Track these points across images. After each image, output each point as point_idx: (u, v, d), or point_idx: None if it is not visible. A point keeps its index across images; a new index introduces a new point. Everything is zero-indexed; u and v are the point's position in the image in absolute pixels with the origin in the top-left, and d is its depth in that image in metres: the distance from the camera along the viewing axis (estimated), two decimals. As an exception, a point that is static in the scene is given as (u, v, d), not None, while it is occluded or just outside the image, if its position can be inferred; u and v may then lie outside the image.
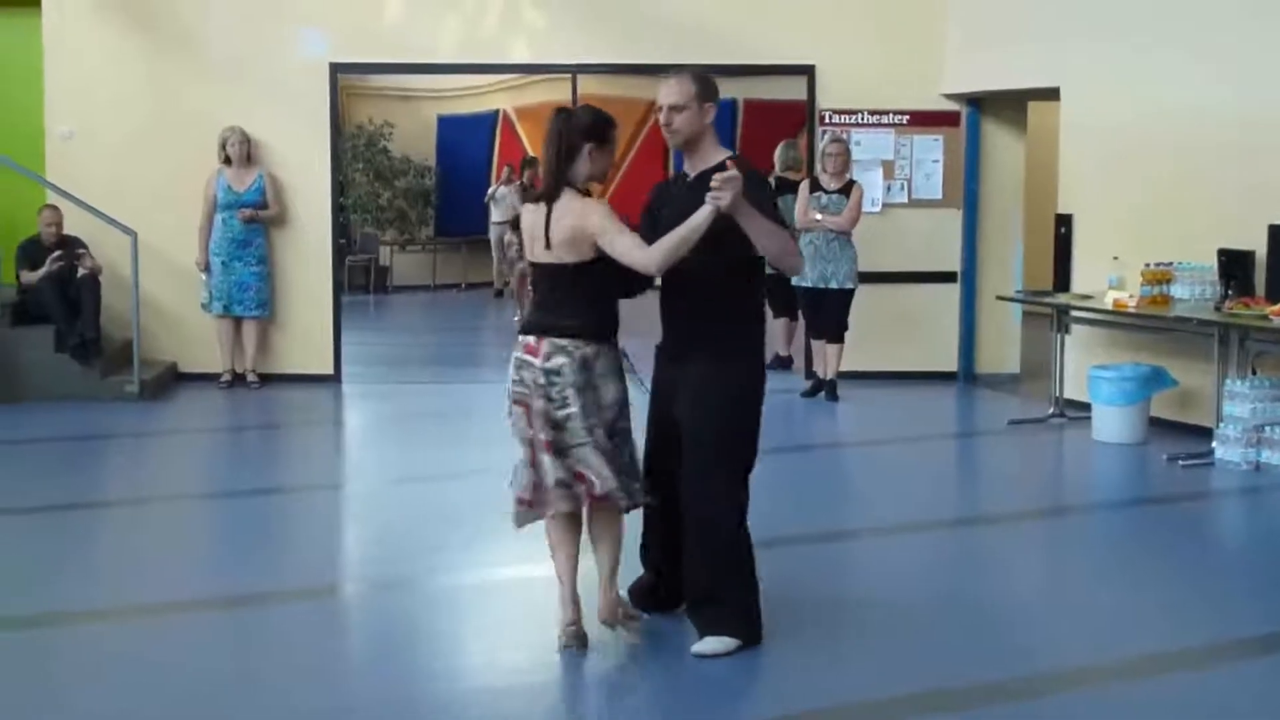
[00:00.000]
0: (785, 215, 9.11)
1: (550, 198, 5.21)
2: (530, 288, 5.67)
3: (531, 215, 5.27)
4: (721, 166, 5.21)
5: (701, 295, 5.20)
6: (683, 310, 5.31)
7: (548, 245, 5.19)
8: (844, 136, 11.22)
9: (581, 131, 5.22)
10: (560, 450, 5.18)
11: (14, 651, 5.44)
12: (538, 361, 5.18)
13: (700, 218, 5.01)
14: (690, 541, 5.29)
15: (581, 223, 5.15)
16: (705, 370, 5.24)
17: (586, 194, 5.27)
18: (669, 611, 5.55)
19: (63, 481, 8.38)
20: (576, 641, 5.26)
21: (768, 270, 11.33)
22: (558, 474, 5.18)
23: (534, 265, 5.34)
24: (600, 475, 5.16)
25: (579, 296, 5.22)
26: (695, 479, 5.23)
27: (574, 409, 5.15)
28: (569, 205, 5.19)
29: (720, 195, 4.94)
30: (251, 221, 11.18)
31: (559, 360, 5.15)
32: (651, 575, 5.62)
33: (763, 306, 5.57)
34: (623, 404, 5.29)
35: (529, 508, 5.31)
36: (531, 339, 5.22)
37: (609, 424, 5.22)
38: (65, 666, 5.30)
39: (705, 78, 5.33)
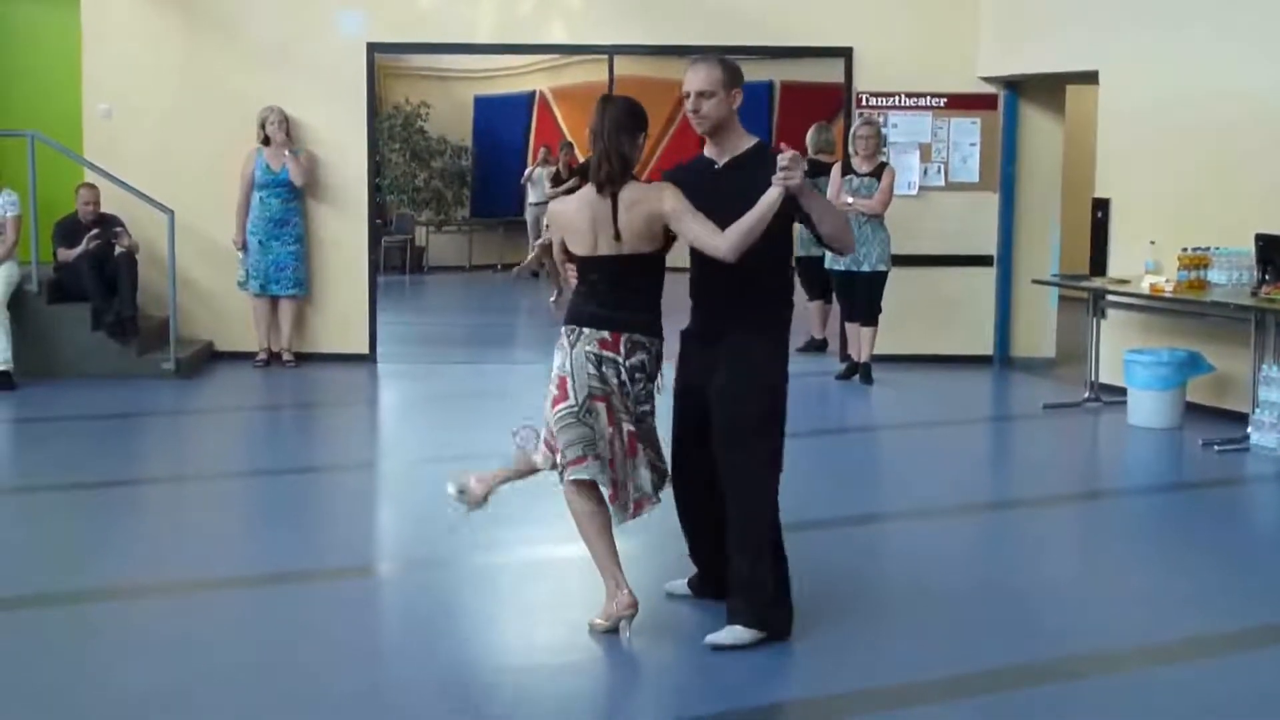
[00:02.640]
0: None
1: (616, 186, 5.08)
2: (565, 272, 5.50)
3: (588, 205, 5.12)
4: (755, 151, 5.21)
5: (740, 275, 5.08)
6: (721, 290, 5.18)
7: (617, 236, 5.08)
8: (876, 119, 11.17)
9: (636, 117, 5.17)
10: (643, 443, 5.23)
11: (51, 627, 5.49)
12: (620, 358, 5.12)
13: (769, 200, 4.93)
14: (733, 526, 5.19)
15: (658, 207, 5.05)
16: (741, 347, 5.15)
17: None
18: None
19: (99, 459, 8.45)
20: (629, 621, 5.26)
21: (800, 253, 11.26)
22: (647, 463, 5.23)
23: (593, 259, 5.15)
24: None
25: (649, 288, 5.19)
26: (737, 464, 5.15)
27: (648, 406, 5.21)
28: (639, 193, 5.09)
29: (791, 175, 4.89)
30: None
31: (640, 356, 5.14)
32: (701, 566, 5.57)
33: (792, 283, 5.51)
34: (652, 397, 5.31)
35: (618, 505, 5.22)
36: (607, 334, 5.11)
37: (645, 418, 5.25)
38: (101, 643, 5.34)
39: (731, 64, 5.24)
